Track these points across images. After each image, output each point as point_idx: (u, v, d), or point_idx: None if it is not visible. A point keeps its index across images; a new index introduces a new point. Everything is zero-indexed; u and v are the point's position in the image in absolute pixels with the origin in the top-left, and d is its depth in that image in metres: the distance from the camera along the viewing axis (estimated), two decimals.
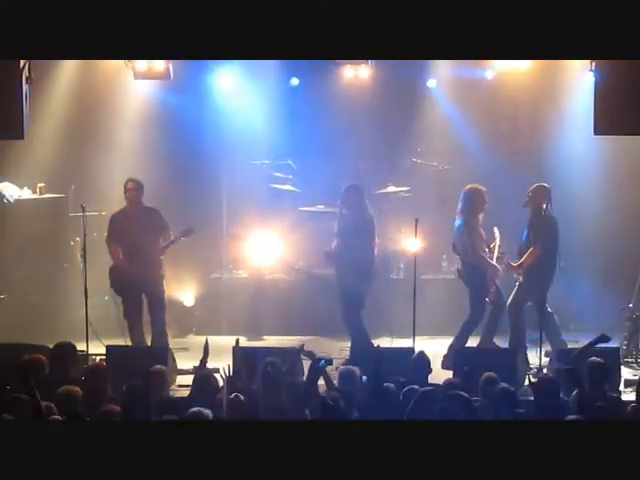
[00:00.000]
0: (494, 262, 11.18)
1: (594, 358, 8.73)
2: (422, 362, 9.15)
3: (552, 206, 11.07)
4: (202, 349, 8.97)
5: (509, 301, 11.23)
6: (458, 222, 11.21)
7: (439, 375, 9.49)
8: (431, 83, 13.29)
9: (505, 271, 11.25)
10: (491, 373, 8.52)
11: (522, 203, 11.16)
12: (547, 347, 10.94)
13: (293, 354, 9.23)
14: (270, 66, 12.62)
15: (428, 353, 9.36)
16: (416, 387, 8.21)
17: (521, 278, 11.16)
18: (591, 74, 9.97)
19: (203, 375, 8.67)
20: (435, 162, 13.24)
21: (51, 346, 9.49)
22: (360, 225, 11.06)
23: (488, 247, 11.24)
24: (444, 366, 10.68)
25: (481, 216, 11.21)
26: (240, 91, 13.24)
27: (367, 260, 11.10)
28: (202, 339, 9.11)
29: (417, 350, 9.56)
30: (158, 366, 8.90)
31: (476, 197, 11.16)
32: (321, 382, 8.64)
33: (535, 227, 11.11)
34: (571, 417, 7.47)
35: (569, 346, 10.72)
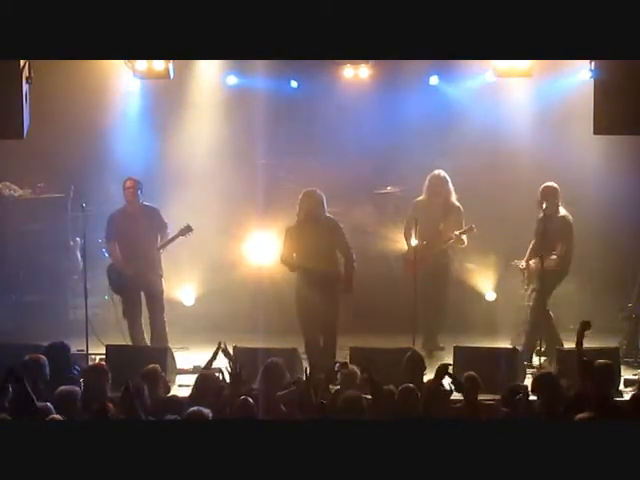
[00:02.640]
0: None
1: (601, 360, 8.70)
2: (416, 360, 9.17)
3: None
4: (217, 352, 8.96)
5: (531, 308, 11.13)
6: None
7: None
8: (433, 80, 13.25)
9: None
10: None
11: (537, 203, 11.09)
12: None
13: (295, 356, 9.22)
14: (270, 66, 12.60)
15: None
16: (411, 386, 8.25)
17: (536, 282, 11.05)
18: (591, 74, 9.97)
19: (203, 375, 8.66)
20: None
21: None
22: (317, 232, 10.73)
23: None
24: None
25: (437, 199, 11.56)
26: (240, 90, 13.23)
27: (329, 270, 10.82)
28: (202, 339, 9.09)
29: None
30: (151, 365, 8.88)
31: (429, 180, 11.65)
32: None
33: (556, 227, 11.03)
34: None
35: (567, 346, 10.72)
